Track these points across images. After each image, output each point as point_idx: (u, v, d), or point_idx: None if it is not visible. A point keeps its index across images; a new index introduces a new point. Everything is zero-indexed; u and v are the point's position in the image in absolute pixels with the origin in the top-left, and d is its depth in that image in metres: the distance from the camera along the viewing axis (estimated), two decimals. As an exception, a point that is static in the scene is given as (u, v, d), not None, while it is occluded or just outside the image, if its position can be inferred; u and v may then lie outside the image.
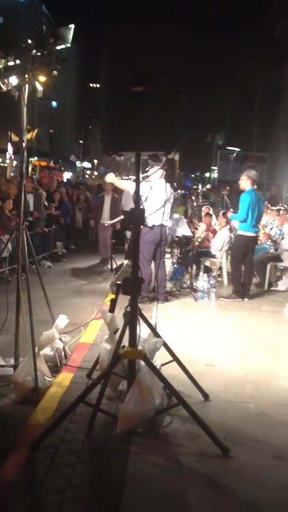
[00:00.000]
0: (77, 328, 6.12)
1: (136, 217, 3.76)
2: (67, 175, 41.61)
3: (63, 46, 4.33)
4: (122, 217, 11.10)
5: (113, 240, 11.19)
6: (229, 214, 9.20)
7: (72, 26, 4.25)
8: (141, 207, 3.88)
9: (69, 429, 3.66)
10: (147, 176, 6.95)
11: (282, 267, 9.57)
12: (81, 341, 5.75)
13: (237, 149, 26.98)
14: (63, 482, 3.05)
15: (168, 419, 3.83)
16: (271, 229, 10.32)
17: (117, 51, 3.38)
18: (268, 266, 9.23)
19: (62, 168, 49.36)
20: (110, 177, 7.58)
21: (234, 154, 26.58)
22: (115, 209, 11.59)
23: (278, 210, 10.76)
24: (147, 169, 7.07)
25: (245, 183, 8.36)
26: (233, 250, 8.95)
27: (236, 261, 8.48)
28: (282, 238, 9.63)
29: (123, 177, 8.14)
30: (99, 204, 12.08)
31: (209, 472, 3.21)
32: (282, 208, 10.57)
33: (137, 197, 3.77)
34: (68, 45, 4.32)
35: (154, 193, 7.20)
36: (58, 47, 4.32)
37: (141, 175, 3.91)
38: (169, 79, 3.42)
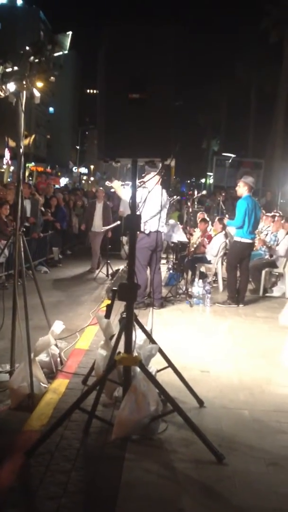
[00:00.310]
0: (73, 334, 6.13)
1: (132, 223, 3.78)
2: (63, 181, 41.60)
3: (60, 53, 4.35)
4: (118, 222, 11.14)
5: (109, 246, 11.20)
6: (226, 220, 9.23)
7: (70, 33, 4.28)
8: (138, 213, 3.88)
9: (64, 436, 3.66)
10: (144, 182, 6.98)
11: (277, 273, 9.60)
12: (77, 347, 5.75)
13: (233, 155, 27.05)
14: (58, 489, 3.05)
15: (163, 426, 3.83)
16: (266, 235, 10.35)
17: (114, 56, 3.40)
18: (263, 272, 9.26)
19: (59, 174, 49.37)
20: (116, 184, 7.62)
21: (230, 160, 26.64)
22: (106, 216, 11.52)
23: (273, 216, 10.80)
24: (143, 175, 7.10)
25: (242, 189, 8.40)
26: (228, 256, 8.97)
27: (232, 267, 8.49)
28: (277, 244, 9.66)
29: (121, 183, 8.17)
30: (91, 210, 11.88)
31: (204, 478, 3.22)
32: (277, 214, 10.61)
33: (133, 203, 3.78)
34: (66, 51, 4.35)
35: (150, 199, 7.21)
36: (56, 54, 4.35)
37: (137, 181, 3.91)
38: (167, 86, 3.45)
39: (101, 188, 13.24)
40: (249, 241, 8.31)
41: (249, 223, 8.15)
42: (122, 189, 7.54)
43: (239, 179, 9.00)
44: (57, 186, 25.78)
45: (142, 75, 3.35)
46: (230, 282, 8.49)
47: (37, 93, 4.50)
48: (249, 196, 8.32)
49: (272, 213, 11.28)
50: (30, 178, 30.79)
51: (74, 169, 59.87)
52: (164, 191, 7.69)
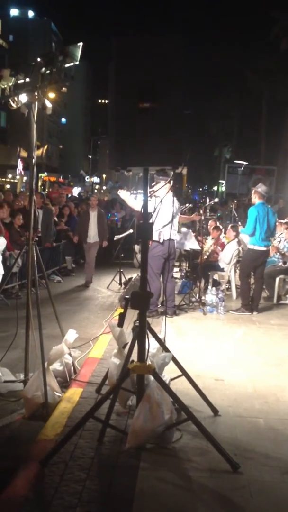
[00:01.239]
0: (86, 343, 6.14)
1: (144, 231, 3.79)
2: (76, 190, 41.83)
3: (71, 64, 4.39)
4: (131, 231, 11.16)
5: (122, 254, 11.22)
6: (240, 228, 9.22)
7: (81, 44, 4.32)
8: (151, 221, 3.89)
9: (78, 445, 3.66)
10: (154, 192, 7.00)
11: (291, 281, 9.52)
12: (90, 355, 5.75)
13: (245, 163, 27.01)
14: (73, 498, 3.05)
15: (177, 435, 3.81)
16: (280, 242, 10.29)
17: (124, 66, 3.43)
18: (277, 280, 9.20)
19: (72, 183, 49.67)
20: (124, 194, 7.63)
21: (242, 168, 26.60)
22: (102, 225, 10.84)
23: (286, 223, 10.74)
24: (152, 184, 7.12)
25: (253, 198, 8.46)
26: (242, 263, 8.93)
27: (245, 275, 8.46)
28: (291, 251, 9.60)
29: (132, 192, 8.20)
30: (84, 220, 10.89)
31: (219, 488, 3.19)
32: (291, 221, 10.54)
33: (145, 212, 3.79)
34: (77, 62, 4.39)
35: (162, 208, 7.24)
36: (67, 65, 4.39)
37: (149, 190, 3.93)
38: (176, 94, 3.47)
39: (94, 195, 12.95)
40: (262, 248, 8.28)
41: (261, 230, 8.13)
42: (131, 199, 7.55)
43: (252, 186, 9.03)
44: (69, 195, 25.92)
45: (152, 84, 3.38)
46: (243, 290, 8.45)
47: (48, 104, 4.54)
48: (262, 203, 8.30)
49: (285, 220, 11.20)
50: (43, 188, 30.98)
51: (87, 178, 60.19)
52: (175, 199, 7.71)
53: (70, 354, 5.08)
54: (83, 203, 17.85)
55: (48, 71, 4.28)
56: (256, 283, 8.52)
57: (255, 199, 8.39)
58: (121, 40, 3.50)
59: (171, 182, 5.75)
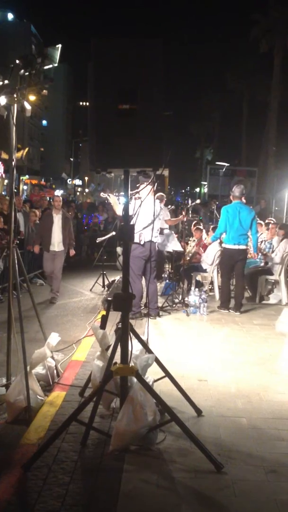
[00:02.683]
0: (70, 346, 6.11)
1: (125, 233, 3.78)
2: (58, 193, 41.65)
3: (50, 66, 4.38)
4: (113, 233, 11.15)
5: (105, 257, 11.20)
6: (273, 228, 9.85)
7: (59, 46, 4.31)
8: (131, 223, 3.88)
9: (62, 448, 3.64)
10: (137, 193, 7.01)
11: (272, 280, 9.61)
12: (74, 358, 5.73)
13: (226, 164, 27.17)
14: (56, 502, 3.03)
15: (161, 436, 3.81)
16: (261, 242, 10.37)
17: (103, 67, 3.42)
18: (259, 280, 9.27)
19: (53, 186, 49.46)
20: (113, 199, 7.62)
21: (223, 169, 26.75)
22: (67, 231, 9.25)
23: (268, 224, 10.83)
24: (137, 185, 7.13)
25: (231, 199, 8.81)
26: (219, 263, 9.08)
27: (223, 273, 8.76)
28: (272, 251, 9.68)
29: (114, 194, 8.20)
30: (46, 225, 9.20)
31: (203, 488, 3.20)
32: (271, 221, 10.64)
33: (126, 214, 3.79)
34: (56, 64, 4.38)
35: (143, 209, 7.24)
36: (46, 67, 4.37)
37: (130, 192, 3.92)
38: (156, 96, 3.47)
39: (57, 196, 10.40)
40: (233, 246, 8.40)
41: (230, 229, 8.36)
42: (118, 205, 7.55)
43: (233, 187, 9.16)
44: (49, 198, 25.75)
45: (132, 86, 3.38)
46: (221, 289, 8.74)
47: (28, 106, 4.52)
48: (236, 203, 8.54)
49: (267, 221, 11.30)
50: (16, 192, 30.81)
51: (69, 181, 60.01)
52: (157, 201, 7.72)
53: (52, 357, 5.05)
54: (64, 206, 17.78)
55: (27, 73, 4.26)
56: (236, 281, 8.66)
57: (232, 200, 8.67)
58: (100, 42, 3.49)
59: (154, 183, 5.76)
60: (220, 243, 9.69)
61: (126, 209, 3.81)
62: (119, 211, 7.42)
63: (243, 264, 8.64)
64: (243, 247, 8.49)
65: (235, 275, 8.66)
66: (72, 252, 9.58)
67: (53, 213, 9.23)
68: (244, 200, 8.71)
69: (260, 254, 9.88)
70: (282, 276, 9.19)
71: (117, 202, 7.59)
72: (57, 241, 9.09)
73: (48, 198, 18.57)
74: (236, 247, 8.40)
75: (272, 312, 8.53)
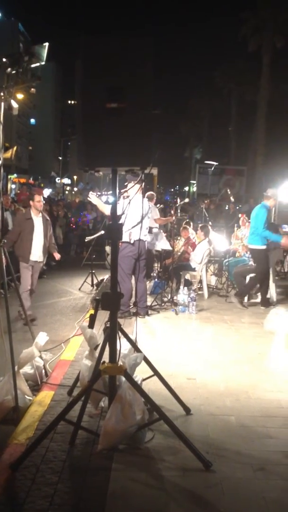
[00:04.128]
0: (58, 345, 6.09)
1: (113, 232, 3.78)
2: (46, 192, 41.51)
3: (38, 64, 4.35)
4: (102, 232, 11.13)
5: (94, 256, 11.18)
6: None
7: (46, 44, 4.28)
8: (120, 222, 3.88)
9: (50, 448, 3.63)
10: (125, 191, 7.00)
11: (261, 279, 9.63)
12: (62, 358, 5.71)
13: (215, 163, 27.22)
14: (44, 502, 3.02)
15: (150, 435, 3.82)
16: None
17: (91, 66, 3.41)
18: (247, 278, 9.29)
19: (42, 185, 49.28)
20: (94, 199, 7.52)
21: (212, 168, 26.80)
22: (49, 238, 7.93)
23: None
24: (125, 184, 7.12)
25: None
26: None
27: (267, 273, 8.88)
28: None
29: (103, 193, 8.16)
30: (25, 229, 7.63)
31: (191, 486, 3.20)
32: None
33: (114, 213, 3.78)
34: (43, 62, 4.35)
35: (131, 208, 7.24)
36: (33, 65, 4.35)
37: (117, 191, 3.92)
38: (144, 94, 3.46)
39: (38, 194, 8.39)
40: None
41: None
42: (102, 203, 7.51)
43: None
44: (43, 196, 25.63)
45: (120, 84, 3.37)
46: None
47: (15, 105, 4.49)
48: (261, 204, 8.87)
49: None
50: (13, 190, 30.64)
51: (57, 180, 59.82)
52: (146, 200, 7.72)
53: (41, 357, 5.03)
54: (52, 204, 17.73)
55: (14, 72, 4.23)
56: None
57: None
58: (88, 40, 3.48)
59: (142, 182, 5.76)
60: (209, 242, 9.74)
61: (114, 208, 3.80)
62: (107, 211, 7.39)
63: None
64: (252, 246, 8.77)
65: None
66: (57, 255, 8.25)
67: (32, 216, 7.70)
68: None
69: (248, 252, 9.91)
70: (270, 275, 9.22)
71: (100, 202, 7.54)
72: (38, 250, 7.68)
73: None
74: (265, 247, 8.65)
75: (260, 311, 8.56)
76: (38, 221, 7.72)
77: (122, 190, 6.91)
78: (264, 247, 8.55)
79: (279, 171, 23.52)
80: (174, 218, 10.23)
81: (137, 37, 3.50)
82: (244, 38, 29.66)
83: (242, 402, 4.55)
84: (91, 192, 8.03)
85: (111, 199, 6.60)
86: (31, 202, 7.84)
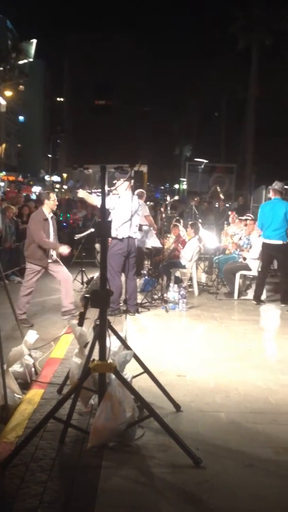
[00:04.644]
0: (48, 344, 6.07)
1: (103, 229, 3.77)
2: (36, 190, 41.33)
3: (25, 61, 4.33)
4: (92, 230, 11.11)
5: (84, 254, 11.15)
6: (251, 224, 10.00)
7: (34, 40, 4.27)
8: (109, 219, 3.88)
9: (40, 446, 3.62)
10: (114, 189, 6.98)
11: (251, 276, 9.68)
12: (52, 356, 5.69)
13: (205, 161, 27.27)
14: (34, 500, 3.01)
15: (140, 432, 3.81)
16: (240, 238, 10.43)
17: (79, 64, 3.41)
18: (237, 275, 9.33)
19: (31, 183, 49.06)
20: (82, 193, 7.50)
21: (202, 166, 26.85)
22: (57, 236, 7.89)
23: (246, 220, 10.89)
24: (114, 181, 7.10)
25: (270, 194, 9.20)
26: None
27: (261, 268, 9.06)
28: (250, 247, 9.74)
29: (93, 190, 8.12)
30: (45, 227, 7.40)
31: (181, 483, 3.21)
32: (249, 217, 10.70)
33: (103, 210, 3.77)
34: (31, 59, 4.35)
35: (121, 205, 7.23)
36: (21, 62, 4.32)
37: (107, 188, 3.91)
38: (132, 92, 3.46)
39: (51, 192, 8.38)
40: (267, 241, 8.81)
41: (267, 224, 8.77)
42: (91, 196, 7.48)
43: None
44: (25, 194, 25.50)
45: (107, 82, 3.36)
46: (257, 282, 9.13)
47: (2, 101, 4.49)
48: (275, 199, 8.92)
49: (245, 217, 11.36)
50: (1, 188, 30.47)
51: (47, 177, 59.57)
52: (135, 197, 7.72)
53: (30, 355, 5.01)
54: (38, 202, 17.61)
55: (1, 68, 4.20)
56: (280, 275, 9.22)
57: (272, 196, 9.05)
58: (75, 38, 3.47)
59: (131, 179, 5.76)
60: (199, 239, 9.76)
61: (103, 206, 3.79)
62: (92, 200, 7.35)
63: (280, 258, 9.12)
64: (279, 242, 8.76)
65: (280, 271, 9.28)
66: (67, 249, 7.61)
67: (44, 213, 7.45)
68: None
69: (238, 250, 9.95)
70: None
71: (90, 196, 7.49)
72: (53, 251, 7.52)
73: (24, 195, 18.34)
74: (271, 242, 8.74)
75: (250, 308, 8.60)
76: (52, 221, 7.60)
77: (111, 188, 6.90)
78: None
79: (269, 169, 23.64)
80: (163, 215, 10.25)
81: (123, 35, 3.51)
82: (234, 36, 29.69)
83: (232, 399, 4.56)
84: (80, 190, 8.00)
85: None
86: (46, 201, 7.53)
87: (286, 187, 11.40)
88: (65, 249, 7.46)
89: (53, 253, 7.50)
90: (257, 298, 8.81)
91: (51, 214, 7.63)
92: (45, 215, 7.43)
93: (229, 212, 12.05)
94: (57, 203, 7.84)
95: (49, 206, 7.51)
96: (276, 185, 9.02)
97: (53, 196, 7.70)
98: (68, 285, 7.48)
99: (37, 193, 32.55)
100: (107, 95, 3.41)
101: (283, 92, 27.96)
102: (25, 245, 7.59)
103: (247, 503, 3.05)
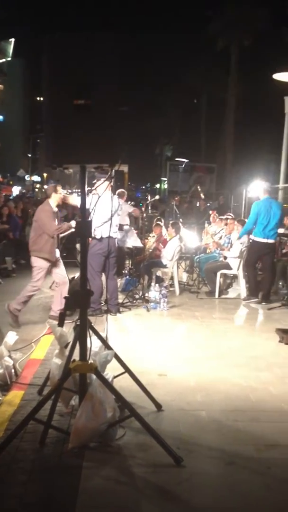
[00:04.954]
0: (28, 345, 6.02)
1: (83, 229, 3.76)
2: (16, 190, 41.01)
3: (3, 60, 4.29)
4: (73, 230, 11.04)
5: (64, 254, 11.08)
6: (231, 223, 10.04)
7: (12, 40, 4.24)
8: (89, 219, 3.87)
9: (20, 448, 3.59)
10: (94, 189, 6.96)
11: (231, 275, 9.74)
12: (32, 357, 5.65)
13: (185, 160, 27.37)
14: (14, 501, 2.99)
15: (121, 432, 3.81)
16: (220, 238, 10.49)
17: (57, 63, 3.39)
18: (218, 274, 9.37)
19: (11, 183, 48.67)
20: (71, 198, 7.51)
21: (183, 165, 26.95)
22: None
23: (226, 219, 10.95)
24: (94, 181, 7.08)
25: (259, 193, 9.19)
26: (246, 254, 9.29)
27: (249, 264, 9.09)
28: (231, 246, 9.80)
29: (73, 190, 8.09)
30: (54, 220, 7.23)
31: (162, 482, 3.21)
32: (230, 217, 10.77)
33: (83, 210, 3.76)
34: (9, 58, 4.31)
35: (100, 205, 7.21)
36: (-1, 61, 4.28)
37: (87, 188, 3.90)
38: (111, 91, 3.45)
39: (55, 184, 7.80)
40: (263, 240, 8.82)
41: (262, 223, 8.76)
42: (69, 196, 7.47)
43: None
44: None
45: (86, 81, 3.35)
46: (248, 278, 9.16)
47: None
48: (267, 198, 8.95)
49: (225, 216, 11.42)
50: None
51: (27, 177, 59.15)
52: (115, 196, 7.71)
53: (10, 356, 4.97)
54: (17, 201, 17.45)
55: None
56: (264, 273, 9.16)
57: (261, 195, 9.04)
58: (54, 37, 3.45)
59: (111, 179, 5.75)
60: (180, 239, 9.78)
61: (83, 206, 3.78)
62: (74, 201, 7.34)
63: (272, 256, 9.27)
64: (272, 241, 8.93)
65: (262, 267, 9.26)
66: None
67: (54, 208, 7.28)
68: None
69: (218, 249, 10.00)
70: (240, 271, 9.34)
71: (69, 196, 7.50)
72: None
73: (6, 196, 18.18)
74: (265, 240, 8.82)
75: (231, 306, 8.66)
76: (58, 215, 7.48)
77: (91, 188, 6.88)
78: None
79: (249, 169, 23.81)
80: (144, 214, 10.25)
81: (101, 33, 3.50)
82: (213, 37, 29.80)
83: (212, 397, 4.58)
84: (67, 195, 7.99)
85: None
86: (53, 194, 7.28)
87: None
88: (73, 223, 7.35)
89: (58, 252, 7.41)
90: (265, 297, 8.87)
91: (56, 209, 7.43)
92: (53, 208, 7.23)
93: (210, 212, 12.10)
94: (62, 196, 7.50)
95: (55, 200, 7.29)
96: (265, 184, 9.19)
97: (60, 189, 7.43)
98: (64, 290, 7.34)
99: (18, 193, 32.35)
100: (86, 94, 3.40)
101: (262, 92, 28.18)
102: (30, 241, 7.29)
103: (228, 501, 3.06)
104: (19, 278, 11.36)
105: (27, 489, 3.10)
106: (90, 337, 3.82)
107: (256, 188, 9.22)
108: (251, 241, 9.10)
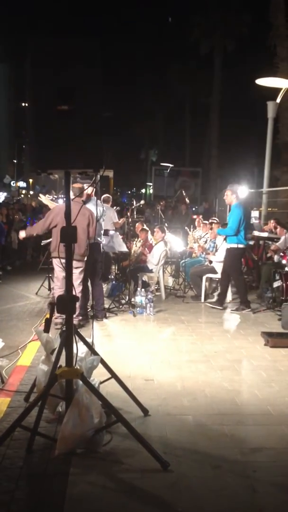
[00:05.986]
0: (15, 351, 5.99)
1: (68, 235, 3.76)
2: (1, 196, 40.82)
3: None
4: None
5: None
6: (216, 228, 9.86)
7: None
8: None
9: (6, 455, 3.58)
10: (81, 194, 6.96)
11: (217, 279, 9.78)
12: (19, 364, 5.63)
13: (171, 165, 27.48)
14: (1, 510, 2.97)
15: (107, 437, 3.81)
16: (206, 242, 10.54)
17: (41, 68, 3.39)
18: (204, 279, 9.41)
19: (-4, 188, 48.43)
20: (45, 199, 7.49)
21: (168, 170, 27.05)
22: None
23: (211, 224, 11.01)
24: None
25: (230, 197, 8.96)
26: (231, 263, 8.79)
27: (238, 273, 8.89)
28: (216, 250, 9.84)
29: (59, 196, 8.10)
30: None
31: (150, 487, 3.22)
32: (214, 221, 10.83)
33: (67, 216, 3.76)
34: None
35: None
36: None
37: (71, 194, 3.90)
38: (94, 96, 3.47)
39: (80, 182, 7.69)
40: (244, 246, 8.83)
41: (243, 229, 8.67)
42: (53, 203, 7.49)
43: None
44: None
45: (69, 86, 3.36)
46: (238, 287, 8.95)
47: None
48: (239, 203, 8.83)
49: (210, 220, 11.49)
50: None
51: (12, 183, 58.88)
52: (99, 202, 7.71)
53: (-4, 363, 4.95)
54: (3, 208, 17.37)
55: None
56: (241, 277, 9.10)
57: (233, 199, 8.90)
58: (37, 42, 3.46)
59: (95, 184, 5.76)
60: (165, 243, 9.80)
61: (68, 211, 3.78)
62: (47, 201, 7.39)
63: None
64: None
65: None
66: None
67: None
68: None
69: (204, 253, 10.04)
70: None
71: (49, 201, 7.51)
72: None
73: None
74: (245, 246, 8.95)
75: (217, 310, 8.68)
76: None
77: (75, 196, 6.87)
78: None
79: (233, 173, 23.95)
80: (129, 219, 10.26)
81: (85, 39, 3.51)
82: (196, 41, 30.01)
83: (198, 401, 4.60)
84: (41, 194, 7.99)
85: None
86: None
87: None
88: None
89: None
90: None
91: None
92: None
93: (194, 216, 12.15)
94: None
95: None
96: (239, 188, 9.22)
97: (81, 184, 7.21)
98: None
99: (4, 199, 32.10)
100: (69, 99, 3.41)
101: (246, 96, 28.42)
102: (51, 246, 7.39)
103: (214, 505, 3.07)
104: (5, 284, 11.32)
105: (14, 497, 3.08)
106: (76, 342, 3.82)
107: (235, 193, 9.06)
108: (233, 248, 8.70)
